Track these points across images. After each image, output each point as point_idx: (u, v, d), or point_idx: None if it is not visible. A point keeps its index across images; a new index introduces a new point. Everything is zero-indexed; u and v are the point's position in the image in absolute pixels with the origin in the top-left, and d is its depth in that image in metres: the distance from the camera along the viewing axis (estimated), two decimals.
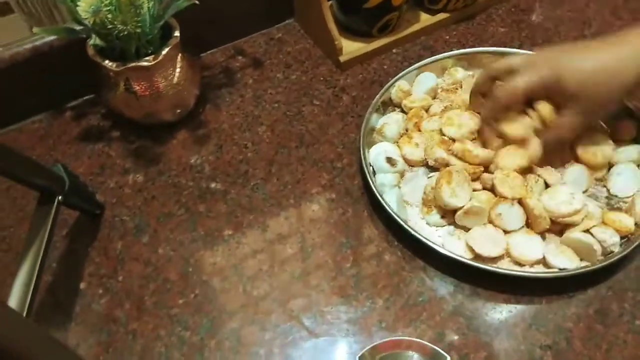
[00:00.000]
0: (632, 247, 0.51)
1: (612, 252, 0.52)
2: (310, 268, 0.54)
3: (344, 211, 0.58)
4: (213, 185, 0.60)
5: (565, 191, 0.53)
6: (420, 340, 0.47)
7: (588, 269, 0.50)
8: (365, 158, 0.58)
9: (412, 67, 0.66)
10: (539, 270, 0.52)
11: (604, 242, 0.52)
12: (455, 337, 0.49)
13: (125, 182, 0.61)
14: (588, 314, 0.50)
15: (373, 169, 0.59)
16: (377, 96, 0.63)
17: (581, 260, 0.52)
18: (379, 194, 0.55)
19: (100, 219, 0.58)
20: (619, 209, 0.56)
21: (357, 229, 0.57)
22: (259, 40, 0.76)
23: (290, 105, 0.68)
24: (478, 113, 0.59)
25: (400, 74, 0.65)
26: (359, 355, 0.46)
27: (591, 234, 0.52)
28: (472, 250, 0.53)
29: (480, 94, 0.59)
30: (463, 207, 0.53)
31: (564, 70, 0.52)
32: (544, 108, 0.55)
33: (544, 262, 0.53)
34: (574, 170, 0.57)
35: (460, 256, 0.51)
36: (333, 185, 0.60)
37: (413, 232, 0.52)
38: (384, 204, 0.54)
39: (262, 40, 0.76)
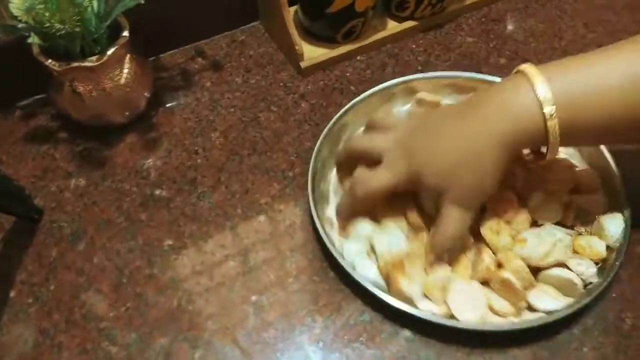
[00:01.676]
0: (612, 276, 0.48)
1: (590, 282, 0.49)
2: (250, 283, 0.52)
3: (291, 223, 0.56)
4: (157, 192, 0.58)
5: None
6: None
7: (575, 308, 0.47)
8: (314, 201, 0.54)
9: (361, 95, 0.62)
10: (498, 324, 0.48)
11: (581, 274, 0.49)
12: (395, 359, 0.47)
13: (67, 186, 0.59)
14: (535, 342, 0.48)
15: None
16: (331, 123, 0.59)
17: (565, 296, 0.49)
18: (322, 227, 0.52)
19: (38, 225, 0.56)
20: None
21: (303, 243, 0.54)
22: (221, 43, 0.74)
23: (247, 110, 0.66)
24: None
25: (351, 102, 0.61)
26: None
27: (567, 268, 0.49)
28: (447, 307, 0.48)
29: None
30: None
31: (420, 168, 0.47)
32: (411, 216, 0.52)
33: (529, 307, 0.49)
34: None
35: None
36: (283, 195, 0.58)
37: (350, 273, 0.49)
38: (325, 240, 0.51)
39: (224, 42, 0.74)
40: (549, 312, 0.47)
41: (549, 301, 0.48)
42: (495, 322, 0.48)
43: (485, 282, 0.49)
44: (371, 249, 0.52)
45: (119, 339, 0.48)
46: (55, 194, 0.58)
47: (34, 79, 0.64)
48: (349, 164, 0.55)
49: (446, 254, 0.49)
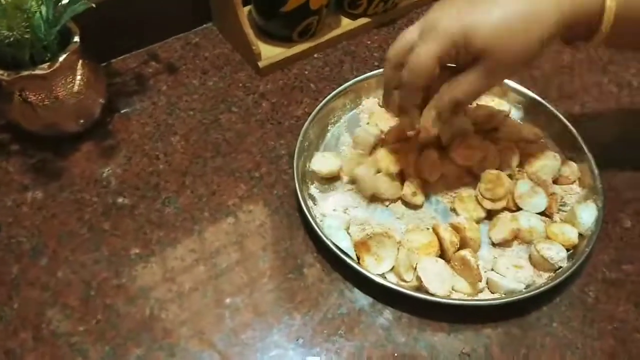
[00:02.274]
0: (580, 261, 0.51)
1: (560, 267, 0.51)
2: (224, 285, 0.51)
3: (262, 222, 0.56)
4: (120, 200, 0.56)
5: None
6: None
7: (537, 291, 0.49)
8: (298, 172, 0.55)
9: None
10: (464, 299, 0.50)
11: (551, 259, 0.51)
12: (374, 350, 0.47)
13: (24, 199, 0.56)
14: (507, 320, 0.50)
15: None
16: (321, 104, 0.61)
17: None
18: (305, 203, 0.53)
19: None
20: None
21: (275, 241, 0.54)
22: (174, 45, 0.72)
23: (207, 112, 0.65)
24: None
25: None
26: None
27: (537, 251, 0.51)
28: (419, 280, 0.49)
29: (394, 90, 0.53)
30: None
31: (470, 25, 0.45)
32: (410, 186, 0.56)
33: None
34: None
35: (378, 275, 0.50)
36: (251, 196, 0.58)
37: (334, 249, 0.50)
38: (307, 214, 0.52)
39: (178, 45, 0.72)
40: (513, 292, 0.50)
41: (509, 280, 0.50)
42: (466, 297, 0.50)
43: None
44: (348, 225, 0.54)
45: (92, 353, 0.47)
46: (12, 208, 0.55)
47: None
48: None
49: (441, 120, 0.49)
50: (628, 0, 0.46)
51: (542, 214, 0.56)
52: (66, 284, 0.50)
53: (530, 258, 0.53)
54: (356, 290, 0.51)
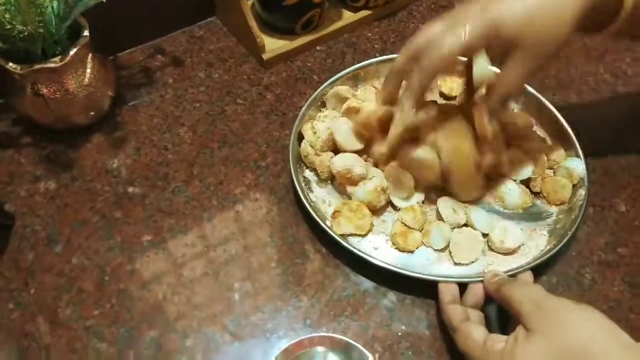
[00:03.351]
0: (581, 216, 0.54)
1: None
2: (234, 271, 0.53)
3: (268, 210, 0.57)
4: (131, 189, 0.58)
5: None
6: (334, 335, 0.47)
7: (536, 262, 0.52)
8: (292, 156, 0.57)
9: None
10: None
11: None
12: (379, 329, 0.49)
13: (37, 190, 0.58)
14: None
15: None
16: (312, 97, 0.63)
17: None
18: (302, 190, 0.55)
19: (10, 230, 0.55)
20: None
21: (282, 227, 0.56)
22: (179, 39, 0.74)
23: (213, 104, 0.67)
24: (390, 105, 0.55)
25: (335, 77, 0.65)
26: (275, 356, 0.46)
27: None
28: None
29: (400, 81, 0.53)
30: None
31: (498, 15, 0.45)
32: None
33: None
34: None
35: (373, 257, 0.51)
36: (257, 184, 0.59)
37: (332, 234, 0.52)
38: (306, 203, 0.54)
39: (183, 38, 0.74)
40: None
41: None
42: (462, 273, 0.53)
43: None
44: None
45: (108, 336, 0.48)
46: (26, 198, 0.57)
47: None
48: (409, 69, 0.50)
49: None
50: None
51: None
52: (81, 269, 0.52)
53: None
54: (360, 274, 0.53)
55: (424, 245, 0.54)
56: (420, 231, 0.54)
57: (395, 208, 0.56)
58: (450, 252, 0.53)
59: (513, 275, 0.50)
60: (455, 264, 0.53)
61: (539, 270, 0.52)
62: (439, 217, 0.55)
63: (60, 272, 0.52)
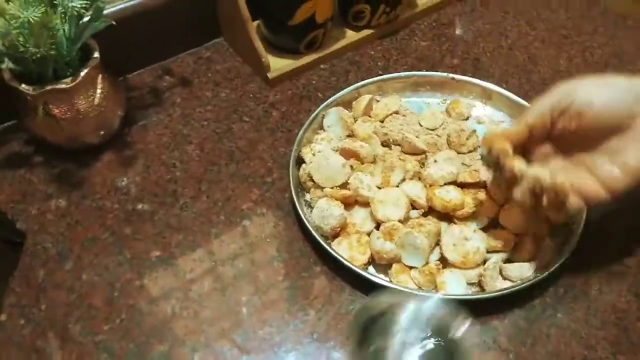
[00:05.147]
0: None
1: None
2: (242, 285, 0.53)
3: (275, 225, 0.58)
4: (140, 206, 0.59)
5: None
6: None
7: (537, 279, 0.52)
8: (293, 176, 0.58)
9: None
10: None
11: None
12: None
13: (48, 208, 0.59)
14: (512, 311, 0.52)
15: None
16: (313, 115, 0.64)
17: None
18: (302, 212, 0.56)
19: (22, 248, 0.56)
20: None
21: (289, 242, 0.57)
22: (187, 60, 0.76)
23: (220, 122, 0.68)
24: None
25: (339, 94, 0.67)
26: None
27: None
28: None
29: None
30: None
31: (576, 92, 0.50)
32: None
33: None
34: None
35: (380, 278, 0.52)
36: (264, 199, 0.60)
37: (334, 254, 0.53)
38: (308, 226, 0.55)
39: (190, 59, 0.76)
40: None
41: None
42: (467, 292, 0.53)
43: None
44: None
45: (117, 350, 0.49)
46: (37, 216, 0.58)
47: (3, 107, 0.64)
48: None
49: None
50: None
51: None
52: (91, 286, 0.53)
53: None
54: (366, 285, 0.53)
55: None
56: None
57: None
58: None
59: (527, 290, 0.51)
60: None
61: (546, 281, 0.53)
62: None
63: (71, 288, 0.53)
